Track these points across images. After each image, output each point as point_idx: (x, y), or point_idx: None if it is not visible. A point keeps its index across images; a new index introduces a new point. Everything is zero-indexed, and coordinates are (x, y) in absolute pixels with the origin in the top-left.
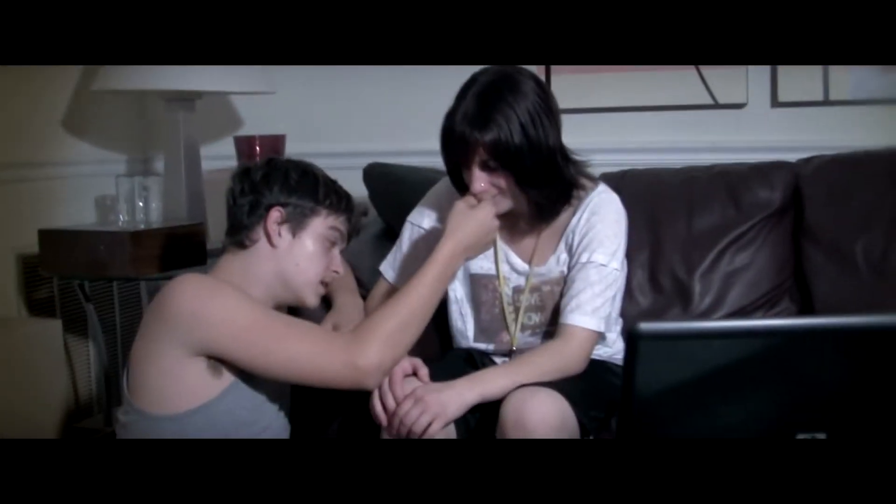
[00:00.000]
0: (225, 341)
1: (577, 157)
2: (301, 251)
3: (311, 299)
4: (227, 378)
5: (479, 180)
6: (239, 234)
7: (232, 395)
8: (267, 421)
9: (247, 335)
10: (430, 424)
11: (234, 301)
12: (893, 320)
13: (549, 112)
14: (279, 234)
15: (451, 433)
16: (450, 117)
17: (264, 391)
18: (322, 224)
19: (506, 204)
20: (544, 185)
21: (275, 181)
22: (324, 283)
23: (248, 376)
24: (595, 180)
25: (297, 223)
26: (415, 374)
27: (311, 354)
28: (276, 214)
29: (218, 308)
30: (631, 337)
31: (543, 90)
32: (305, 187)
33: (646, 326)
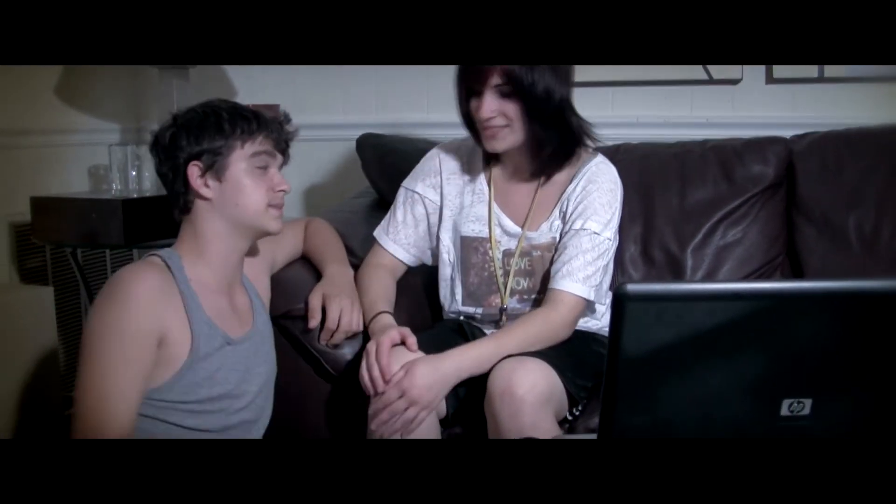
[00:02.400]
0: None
1: (584, 120)
2: (234, 191)
3: (271, 225)
4: (172, 368)
5: (490, 105)
6: (178, 203)
7: (184, 382)
8: (240, 391)
9: (85, 342)
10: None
11: (111, 313)
12: (881, 285)
13: (565, 66)
14: (206, 186)
15: (440, 406)
16: None
17: (227, 368)
18: (242, 156)
19: (510, 139)
20: (551, 124)
21: (181, 136)
22: (275, 206)
23: (197, 360)
24: (594, 150)
25: (217, 168)
26: (403, 343)
27: (87, 406)
28: (193, 170)
29: (97, 310)
30: (617, 297)
31: None
32: (210, 128)
33: (632, 287)
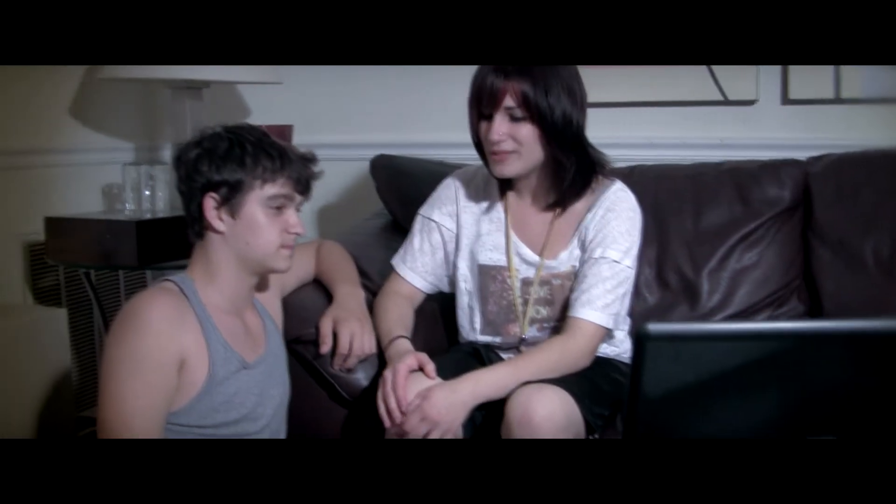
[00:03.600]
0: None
1: (598, 150)
2: (246, 229)
3: (279, 265)
4: (189, 392)
5: (500, 128)
6: (193, 226)
7: (201, 406)
8: (256, 414)
9: (104, 370)
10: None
11: (130, 342)
12: None
13: (581, 94)
14: (220, 220)
15: (457, 432)
16: (483, 67)
17: (244, 392)
18: (260, 196)
19: (517, 165)
20: (570, 150)
21: (203, 161)
22: (286, 247)
23: (214, 384)
24: (612, 178)
25: (233, 204)
26: (421, 369)
27: (112, 424)
28: (210, 202)
29: (114, 339)
30: (639, 337)
31: (580, 79)
32: (233, 159)
33: (654, 327)
